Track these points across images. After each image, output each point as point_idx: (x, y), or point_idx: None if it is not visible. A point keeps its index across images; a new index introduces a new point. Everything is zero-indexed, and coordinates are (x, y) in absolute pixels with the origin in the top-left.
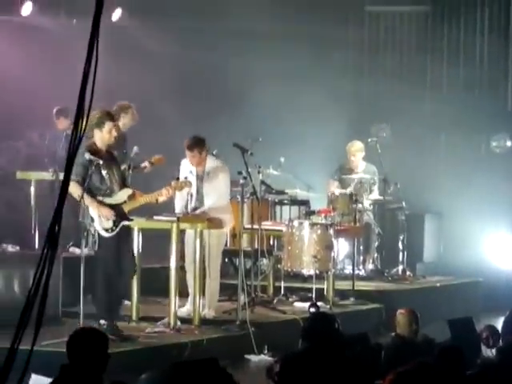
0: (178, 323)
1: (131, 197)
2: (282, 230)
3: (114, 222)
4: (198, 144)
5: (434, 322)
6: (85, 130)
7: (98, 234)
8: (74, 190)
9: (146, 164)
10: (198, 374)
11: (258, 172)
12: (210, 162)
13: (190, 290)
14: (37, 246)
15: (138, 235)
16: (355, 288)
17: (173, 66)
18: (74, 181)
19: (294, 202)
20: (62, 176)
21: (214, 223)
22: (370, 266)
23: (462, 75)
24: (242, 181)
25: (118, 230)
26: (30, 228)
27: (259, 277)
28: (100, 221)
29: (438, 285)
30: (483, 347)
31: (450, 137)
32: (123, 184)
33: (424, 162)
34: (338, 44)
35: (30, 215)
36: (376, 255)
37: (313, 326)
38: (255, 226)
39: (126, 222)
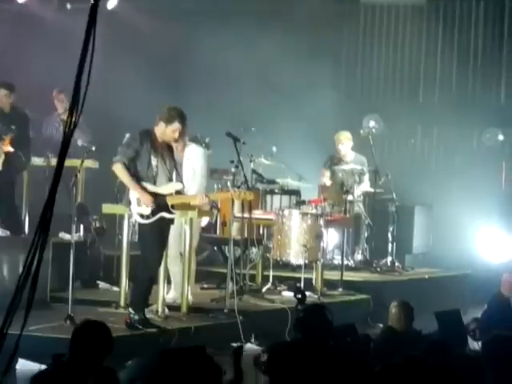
0: (166, 310)
1: (179, 192)
2: (272, 219)
3: (153, 210)
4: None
5: (421, 314)
6: (79, 117)
7: (139, 223)
8: (118, 170)
9: None
10: (185, 362)
11: (250, 161)
12: (192, 147)
13: (173, 278)
14: (27, 231)
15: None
16: (344, 278)
17: (166, 54)
18: (119, 161)
19: (285, 191)
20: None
21: (203, 211)
22: (359, 257)
23: (456, 68)
24: (233, 169)
25: (154, 219)
26: (21, 213)
27: (248, 265)
28: (138, 204)
29: (427, 277)
30: (470, 340)
31: (442, 129)
32: (172, 178)
33: (415, 154)
34: (332, 35)
35: (21, 200)
36: (365, 246)
37: (307, 318)
38: (245, 215)
39: (166, 215)
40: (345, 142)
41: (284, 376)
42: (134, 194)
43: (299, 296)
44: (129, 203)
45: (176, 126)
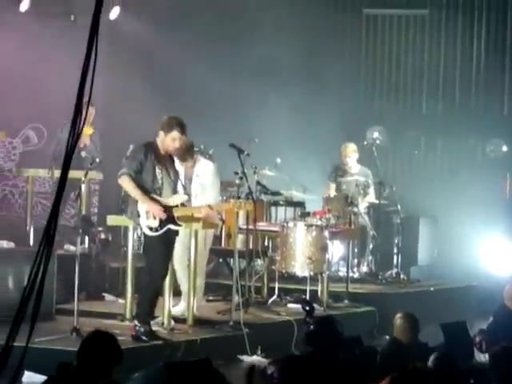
0: (172, 323)
1: (183, 204)
2: (276, 231)
3: (161, 222)
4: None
5: (427, 326)
6: (82, 127)
7: (145, 235)
8: (125, 183)
9: None
10: (190, 375)
11: (254, 172)
12: (203, 163)
13: (182, 289)
14: (31, 243)
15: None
16: (349, 290)
17: (169, 64)
18: (126, 174)
19: (290, 203)
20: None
21: (209, 223)
22: (365, 269)
23: (459, 79)
24: (237, 181)
25: (162, 231)
26: (25, 225)
27: (253, 277)
28: (146, 217)
29: (432, 289)
30: (476, 352)
31: (445, 141)
32: (177, 189)
33: (419, 166)
34: (335, 46)
35: (26, 212)
36: (370, 258)
37: (318, 331)
38: (250, 227)
39: (173, 226)
40: (352, 155)
41: None
42: (143, 206)
43: (307, 308)
44: (137, 216)
45: (175, 134)
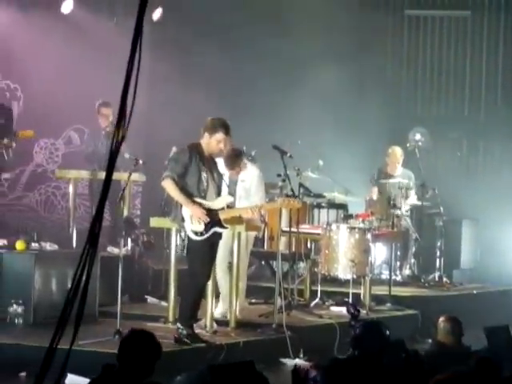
0: (215, 325)
1: (230, 206)
2: (319, 234)
3: (206, 226)
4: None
5: (470, 330)
6: (126, 130)
7: (189, 237)
8: (168, 186)
9: None
10: (234, 377)
11: (297, 175)
12: (249, 169)
13: (221, 290)
14: (74, 245)
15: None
16: (391, 293)
17: (213, 67)
18: (169, 177)
19: (332, 205)
20: (102, 175)
21: (251, 225)
22: (407, 272)
23: (501, 81)
24: (280, 183)
25: (208, 235)
26: (68, 227)
27: (296, 280)
28: (191, 221)
29: (475, 292)
30: None
31: (487, 142)
32: (221, 191)
33: (462, 168)
34: (377, 48)
35: (68, 214)
36: (413, 261)
37: (364, 336)
38: (293, 229)
39: (218, 229)
40: (400, 160)
41: None
42: (187, 210)
43: (353, 311)
44: (182, 220)
45: (220, 136)
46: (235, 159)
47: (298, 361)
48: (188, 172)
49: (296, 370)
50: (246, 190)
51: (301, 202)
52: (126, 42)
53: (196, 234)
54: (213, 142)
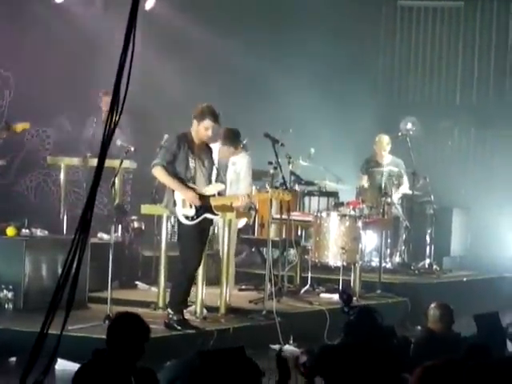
0: (205, 311)
1: (220, 193)
2: (310, 221)
3: (197, 211)
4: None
5: (459, 317)
6: (119, 119)
7: (179, 223)
8: (159, 173)
9: None
10: (224, 363)
11: (288, 162)
12: (241, 155)
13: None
14: (65, 231)
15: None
16: (382, 281)
17: (203, 55)
18: (159, 165)
19: (323, 193)
20: (94, 162)
21: (241, 212)
22: (397, 259)
23: (493, 69)
24: (271, 171)
25: (198, 220)
26: (59, 213)
27: (286, 267)
28: (183, 205)
29: (465, 279)
30: (509, 343)
31: (479, 131)
32: (211, 179)
33: (453, 157)
34: (370, 38)
35: (59, 200)
36: (403, 248)
37: (358, 322)
38: (283, 217)
39: (209, 215)
40: (387, 148)
41: (338, 379)
42: (179, 194)
43: (345, 297)
44: (174, 204)
45: (208, 123)
46: (234, 138)
47: (287, 347)
48: (176, 160)
49: (280, 353)
50: (237, 174)
51: (290, 195)
52: (117, 29)
53: (187, 218)
54: (201, 129)
